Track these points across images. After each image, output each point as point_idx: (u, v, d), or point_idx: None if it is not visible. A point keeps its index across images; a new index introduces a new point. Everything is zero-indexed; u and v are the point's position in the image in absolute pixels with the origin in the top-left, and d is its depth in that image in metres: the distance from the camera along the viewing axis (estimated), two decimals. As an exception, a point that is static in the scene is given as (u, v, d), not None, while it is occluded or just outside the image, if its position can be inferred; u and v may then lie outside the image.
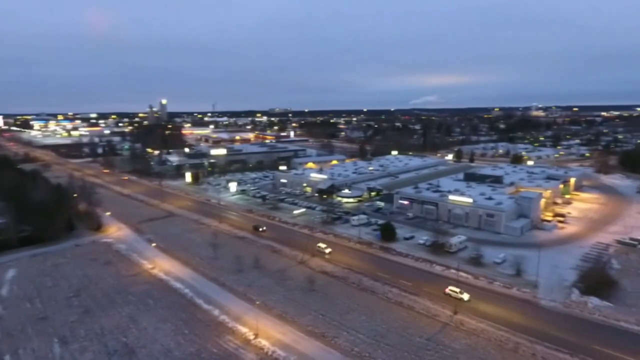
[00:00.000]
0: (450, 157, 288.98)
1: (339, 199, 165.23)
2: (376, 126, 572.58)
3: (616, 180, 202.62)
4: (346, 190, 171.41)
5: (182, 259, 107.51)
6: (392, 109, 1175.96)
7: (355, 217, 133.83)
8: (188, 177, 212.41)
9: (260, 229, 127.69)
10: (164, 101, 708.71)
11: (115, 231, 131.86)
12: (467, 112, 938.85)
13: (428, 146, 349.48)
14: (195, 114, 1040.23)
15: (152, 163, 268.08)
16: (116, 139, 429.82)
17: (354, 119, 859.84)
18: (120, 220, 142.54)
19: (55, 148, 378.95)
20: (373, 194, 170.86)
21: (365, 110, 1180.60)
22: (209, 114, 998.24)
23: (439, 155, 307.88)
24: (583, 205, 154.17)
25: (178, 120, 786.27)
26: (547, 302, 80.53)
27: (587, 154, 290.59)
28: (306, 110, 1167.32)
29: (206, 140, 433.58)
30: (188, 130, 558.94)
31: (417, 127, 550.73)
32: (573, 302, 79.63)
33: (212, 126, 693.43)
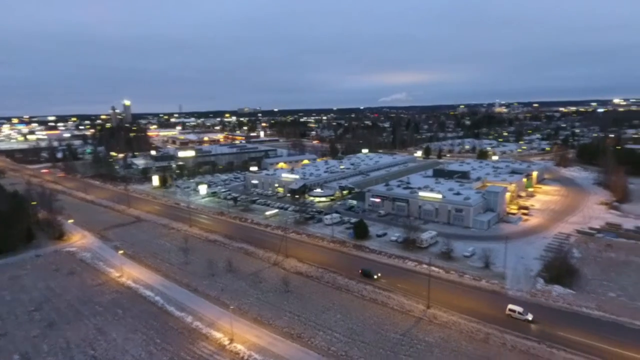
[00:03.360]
0: (419, 154, 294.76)
1: (312, 198, 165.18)
2: (346, 125, 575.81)
3: (574, 172, 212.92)
4: (318, 190, 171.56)
5: (151, 265, 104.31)
6: (362, 107, 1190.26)
7: (328, 216, 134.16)
8: (155, 180, 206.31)
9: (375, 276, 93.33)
10: (127, 102, 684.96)
11: (79, 239, 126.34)
12: (434, 110, 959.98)
13: (397, 143, 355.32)
14: (161, 115, 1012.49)
15: (116, 167, 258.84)
16: (77, 142, 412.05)
17: (324, 117, 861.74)
18: (84, 227, 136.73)
19: (10, 153, 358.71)
20: (345, 192, 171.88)
21: (335, 108, 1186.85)
22: (176, 115, 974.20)
23: (408, 152, 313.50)
24: (545, 197, 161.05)
25: (143, 122, 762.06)
26: (515, 292, 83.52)
27: (548, 148, 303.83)
28: (276, 110, 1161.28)
29: (173, 142, 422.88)
30: (154, 132, 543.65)
31: (387, 124, 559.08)
32: (538, 291, 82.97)
33: (179, 127, 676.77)
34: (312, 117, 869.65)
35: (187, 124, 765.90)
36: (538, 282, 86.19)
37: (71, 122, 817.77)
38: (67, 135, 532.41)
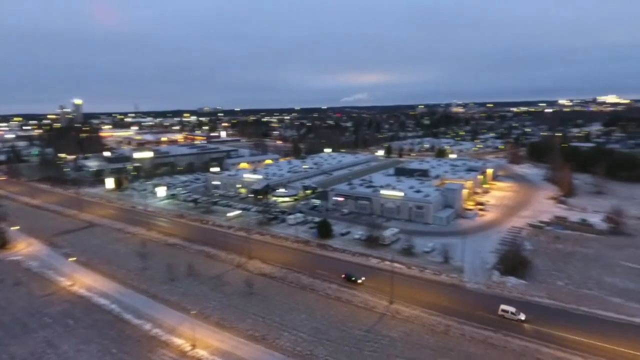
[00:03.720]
0: (380, 153, 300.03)
1: (275, 198, 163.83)
2: (309, 124, 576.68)
3: (526, 169, 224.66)
4: (281, 190, 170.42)
5: (106, 272, 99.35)
6: (325, 107, 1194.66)
7: (291, 216, 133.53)
8: (110, 183, 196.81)
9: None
10: (78, 101, 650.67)
11: (25, 247, 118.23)
12: (394, 110, 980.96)
13: (360, 143, 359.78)
14: (115, 115, 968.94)
15: (66, 169, 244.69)
16: (22, 143, 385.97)
17: (287, 117, 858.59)
18: (30, 234, 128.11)
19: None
20: (308, 192, 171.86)
21: (298, 108, 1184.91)
22: (131, 115, 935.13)
23: (370, 151, 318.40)
24: (499, 193, 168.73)
25: (95, 121, 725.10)
26: (472, 284, 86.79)
27: (501, 147, 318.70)
28: (237, 110, 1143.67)
29: (129, 143, 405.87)
30: (107, 133, 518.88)
31: (349, 124, 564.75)
32: (494, 283, 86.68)
33: (135, 127, 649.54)
34: (275, 117, 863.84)
35: (143, 123, 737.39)
36: (494, 275, 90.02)
37: (14, 122, 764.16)
38: (10, 136, 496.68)
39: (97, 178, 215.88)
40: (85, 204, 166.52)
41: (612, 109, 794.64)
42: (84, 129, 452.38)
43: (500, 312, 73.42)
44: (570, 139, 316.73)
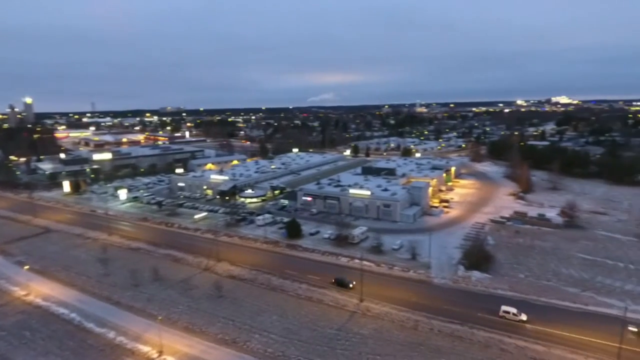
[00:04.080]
0: (348, 152, 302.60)
1: (242, 199, 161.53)
2: (276, 124, 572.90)
3: (487, 167, 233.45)
4: (249, 191, 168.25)
5: (64, 280, 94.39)
6: (291, 107, 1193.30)
7: (260, 217, 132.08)
8: (66, 186, 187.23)
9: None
10: (28, 100, 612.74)
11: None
12: (360, 109, 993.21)
13: (327, 143, 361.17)
14: (70, 115, 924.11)
15: (18, 172, 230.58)
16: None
17: (253, 117, 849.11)
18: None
19: None
20: (277, 192, 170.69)
21: (264, 108, 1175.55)
22: (88, 114, 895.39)
23: (337, 151, 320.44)
24: (463, 190, 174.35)
25: (49, 122, 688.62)
26: (439, 280, 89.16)
27: (463, 145, 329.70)
28: (201, 109, 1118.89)
29: (87, 144, 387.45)
30: (63, 133, 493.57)
31: (316, 124, 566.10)
32: (460, 278, 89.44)
33: (92, 128, 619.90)
34: (241, 117, 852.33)
35: (102, 124, 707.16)
36: (459, 269, 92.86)
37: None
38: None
39: (53, 181, 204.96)
40: (40, 208, 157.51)
41: (563, 109, 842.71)
42: (36, 129, 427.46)
43: (501, 314, 72.63)
44: (527, 137, 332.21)
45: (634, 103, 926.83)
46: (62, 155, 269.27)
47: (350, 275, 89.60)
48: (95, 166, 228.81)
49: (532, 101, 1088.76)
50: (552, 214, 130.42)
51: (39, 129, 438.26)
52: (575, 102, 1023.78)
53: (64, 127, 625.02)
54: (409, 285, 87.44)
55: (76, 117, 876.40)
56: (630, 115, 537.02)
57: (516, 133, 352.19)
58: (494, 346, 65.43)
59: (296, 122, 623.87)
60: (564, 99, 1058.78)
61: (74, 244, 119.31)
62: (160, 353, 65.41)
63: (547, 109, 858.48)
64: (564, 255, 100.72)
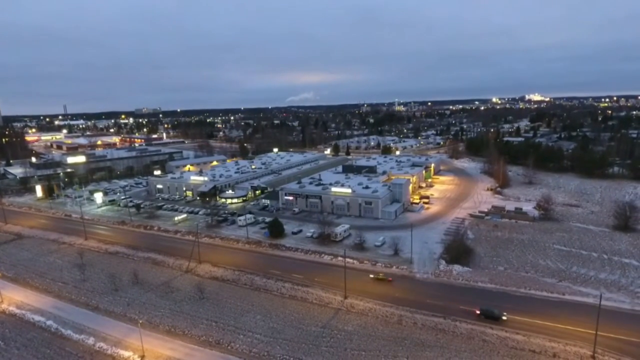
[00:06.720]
0: (328, 151, 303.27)
1: (223, 200, 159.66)
2: (255, 124, 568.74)
3: (465, 163, 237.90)
4: (230, 191, 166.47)
5: (39, 287, 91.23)
6: (270, 107, 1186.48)
7: (241, 218, 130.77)
8: (39, 191, 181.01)
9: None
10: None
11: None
12: (340, 109, 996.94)
13: (307, 142, 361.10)
14: (41, 117, 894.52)
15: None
16: None
17: (232, 117, 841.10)
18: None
19: None
20: (258, 192, 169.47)
21: (243, 108, 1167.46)
22: (60, 117, 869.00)
23: (318, 150, 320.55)
24: (442, 186, 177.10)
25: (18, 125, 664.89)
26: (421, 274, 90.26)
27: (442, 143, 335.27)
28: (179, 110, 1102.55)
29: (59, 147, 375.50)
30: (33, 137, 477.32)
31: (296, 124, 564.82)
32: (441, 272, 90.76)
33: (65, 131, 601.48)
34: (219, 118, 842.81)
35: (75, 126, 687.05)
36: (441, 264, 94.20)
37: None
38: None
39: (24, 186, 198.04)
40: (11, 214, 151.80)
41: (537, 106, 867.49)
42: (5, 132, 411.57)
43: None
44: (503, 134, 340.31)
45: (603, 99, 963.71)
46: (34, 159, 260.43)
47: (333, 272, 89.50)
48: (69, 170, 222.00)
49: (506, 99, 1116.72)
50: (528, 207, 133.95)
51: (7, 132, 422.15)
52: (547, 99, 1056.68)
53: (34, 130, 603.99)
54: (393, 280, 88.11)
55: (47, 119, 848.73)
56: (600, 112, 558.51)
57: (492, 130, 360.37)
58: (476, 337, 66.63)
59: (276, 121, 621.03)
60: (536, 97, 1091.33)
61: (49, 250, 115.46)
62: (142, 357, 63.97)
63: (520, 106, 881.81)
64: (541, 247, 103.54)
